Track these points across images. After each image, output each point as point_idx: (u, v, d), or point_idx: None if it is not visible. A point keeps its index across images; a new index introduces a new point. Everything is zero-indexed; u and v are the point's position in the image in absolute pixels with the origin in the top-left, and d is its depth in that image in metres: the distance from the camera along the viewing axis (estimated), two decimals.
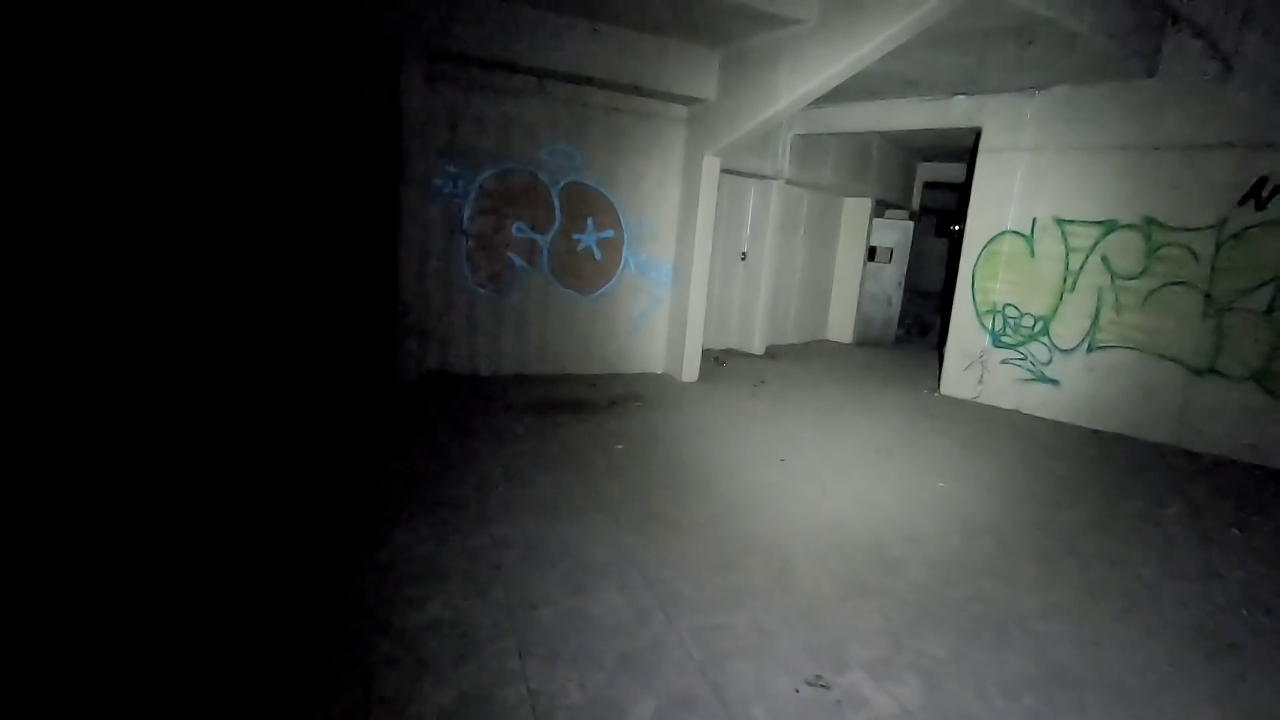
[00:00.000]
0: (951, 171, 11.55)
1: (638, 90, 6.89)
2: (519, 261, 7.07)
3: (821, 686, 2.62)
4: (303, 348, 6.17)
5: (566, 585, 3.20)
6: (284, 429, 4.98)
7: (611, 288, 7.63)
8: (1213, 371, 6.22)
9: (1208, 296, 6.21)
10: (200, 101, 5.48)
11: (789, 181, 9.49)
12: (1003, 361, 7.61)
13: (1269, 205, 5.87)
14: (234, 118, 5.63)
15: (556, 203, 7.14)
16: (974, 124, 7.70)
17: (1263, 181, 5.89)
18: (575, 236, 7.31)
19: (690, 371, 7.72)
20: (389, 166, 6.17)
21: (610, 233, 7.49)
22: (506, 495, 4.16)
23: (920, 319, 13.15)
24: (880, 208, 11.23)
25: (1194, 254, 6.27)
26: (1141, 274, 6.60)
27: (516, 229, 6.99)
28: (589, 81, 6.67)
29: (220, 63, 5.47)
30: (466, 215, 6.71)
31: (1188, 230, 6.30)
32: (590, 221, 7.36)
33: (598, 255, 7.47)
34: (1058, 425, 7.00)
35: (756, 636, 2.92)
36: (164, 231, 5.49)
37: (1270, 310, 5.90)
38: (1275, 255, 5.86)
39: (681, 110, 7.49)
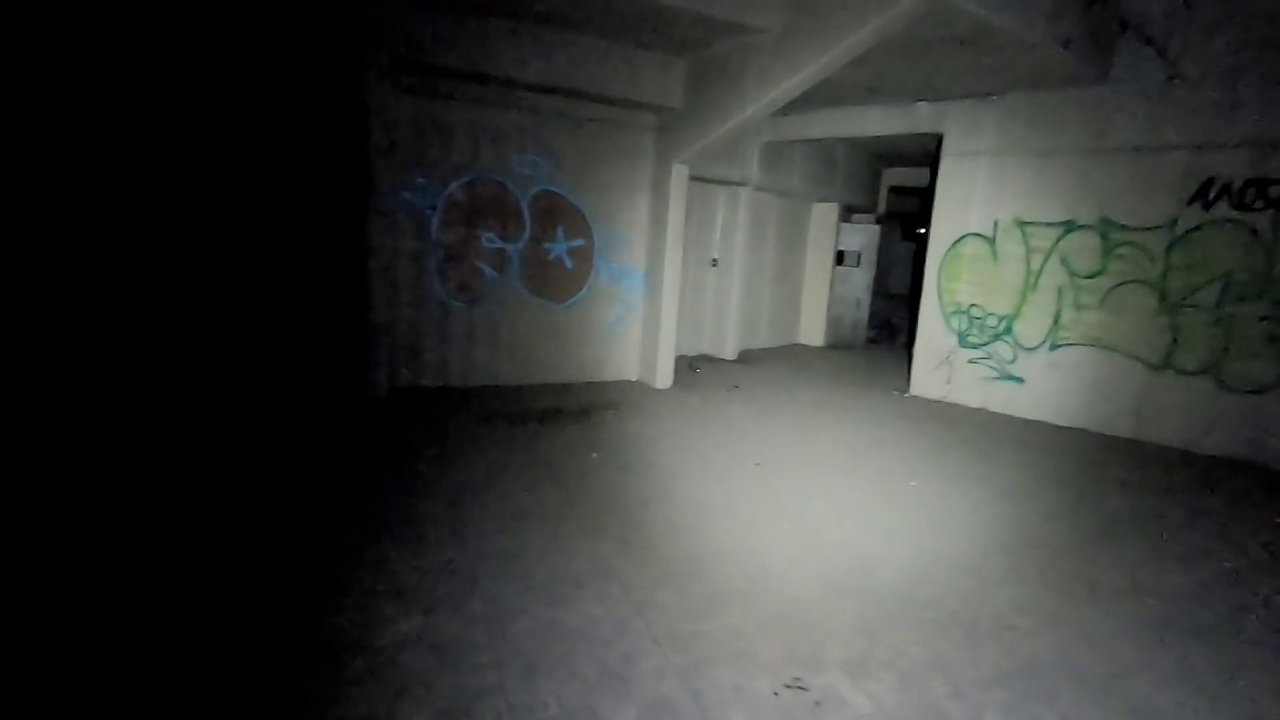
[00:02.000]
0: (915, 176, 11.78)
1: (605, 99, 6.91)
2: (490, 271, 7.04)
3: (800, 689, 2.64)
4: (272, 363, 6.05)
5: (543, 596, 3.18)
6: (254, 445, 4.88)
7: (583, 296, 7.63)
8: (1168, 366, 6.42)
9: (1161, 294, 6.42)
10: (169, 112, 5.37)
11: (757, 188, 9.59)
12: (969, 361, 7.77)
13: (1215, 205, 6.10)
14: (201, 129, 5.52)
15: (526, 212, 7.12)
16: (936, 129, 7.88)
17: (1209, 182, 6.12)
18: (546, 245, 7.30)
19: (664, 378, 7.75)
20: (356, 178, 6.10)
21: (581, 241, 7.49)
22: (481, 507, 4.12)
23: (889, 321, 13.35)
24: (847, 212, 11.40)
25: (1147, 253, 6.48)
26: (1099, 273, 6.79)
27: (487, 239, 6.95)
28: (556, 91, 6.67)
29: (186, 77, 5.37)
30: (435, 226, 6.66)
31: (1141, 230, 6.51)
32: (561, 230, 7.35)
33: (569, 264, 7.47)
34: (1024, 422, 7.15)
35: (735, 641, 2.93)
36: (126, 243, 5.36)
37: (1219, 306, 6.12)
38: (1222, 253, 6.08)
39: (649, 118, 7.53)
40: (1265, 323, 5.89)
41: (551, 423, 6.04)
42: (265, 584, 3.14)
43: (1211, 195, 6.11)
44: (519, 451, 5.20)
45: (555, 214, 7.30)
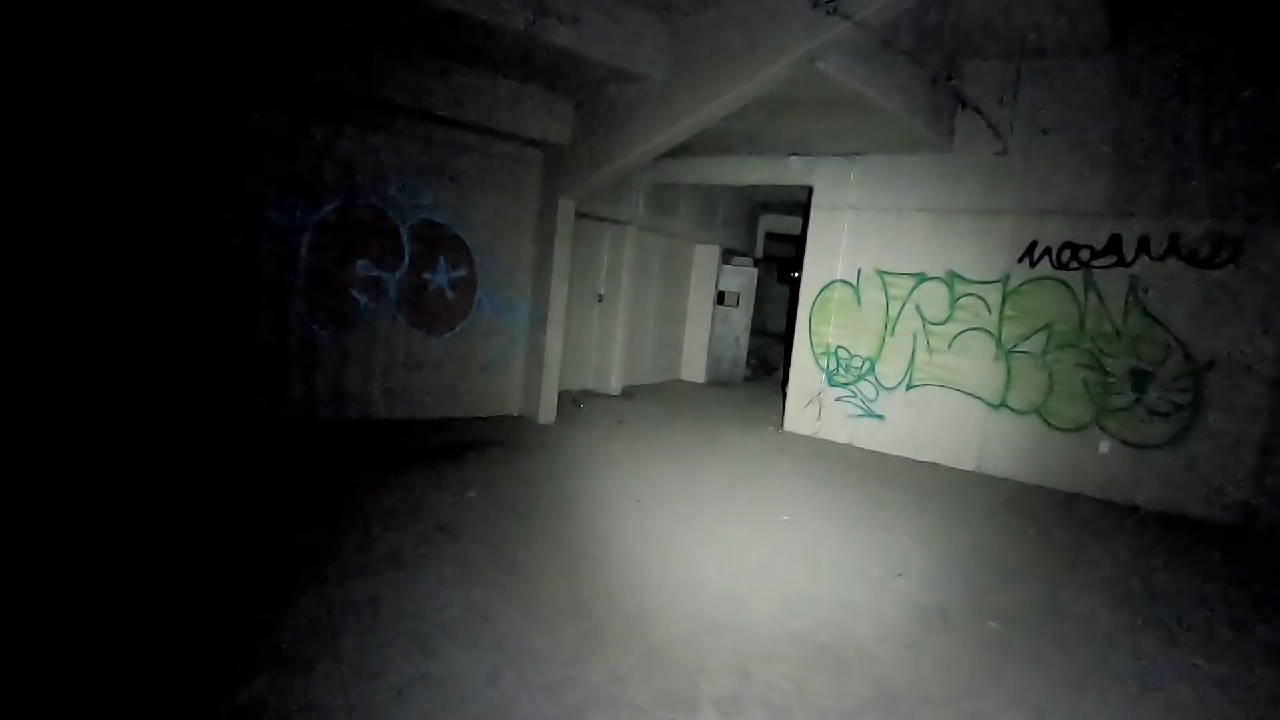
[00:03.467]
0: (790, 224, 12.54)
1: (491, 131, 6.86)
2: (364, 300, 6.69)
3: None
4: (117, 391, 5.37)
5: (409, 649, 2.98)
6: (86, 486, 4.29)
7: (465, 328, 7.42)
8: (1004, 406, 7.15)
9: (998, 341, 7.17)
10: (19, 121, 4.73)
11: (643, 227, 9.83)
12: (837, 399, 8.26)
13: (1039, 264, 6.93)
14: (51, 139, 4.90)
15: (406, 240, 6.87)
16: (806, 182, 8.45)
17: (1034, 244, 6.95)
18: (426, 275, 7.06)
19: (547, 413, 7.65)
20: (219, 197, 5.65)
21: (463, 272, 7.31)
22: (345, 551, 3.83)
23: (766, 359, 13.98)
24: (728, 255, 11.93)
25: (986, 304, 7.23)
26: (947, 320, 7.49)
27: (362, 266, 6.62)
28: (440, 119, 6.54)
29: (36, 81, 4.77)
30: (306, 249, 6.26)
31: (981, 283, 7.27)
32: (442, 260, 7.15)
33: (450, 295, 7.26)
34: (884, 457, 7.67)
35: (610, 685, 2.88)
36: None
37: (1044, 354, 6.91)
38: (1045, 306, 6.90)
39: (537, 153, 7.55)
40: (1079, 369, 6.70)
41: (427, 459, 5.77)
42: (88, 648, 2.73)
43: (1036, 255, 6.95)
44: (389, 490, 4.91)
45: (437, 243, 7.09)
